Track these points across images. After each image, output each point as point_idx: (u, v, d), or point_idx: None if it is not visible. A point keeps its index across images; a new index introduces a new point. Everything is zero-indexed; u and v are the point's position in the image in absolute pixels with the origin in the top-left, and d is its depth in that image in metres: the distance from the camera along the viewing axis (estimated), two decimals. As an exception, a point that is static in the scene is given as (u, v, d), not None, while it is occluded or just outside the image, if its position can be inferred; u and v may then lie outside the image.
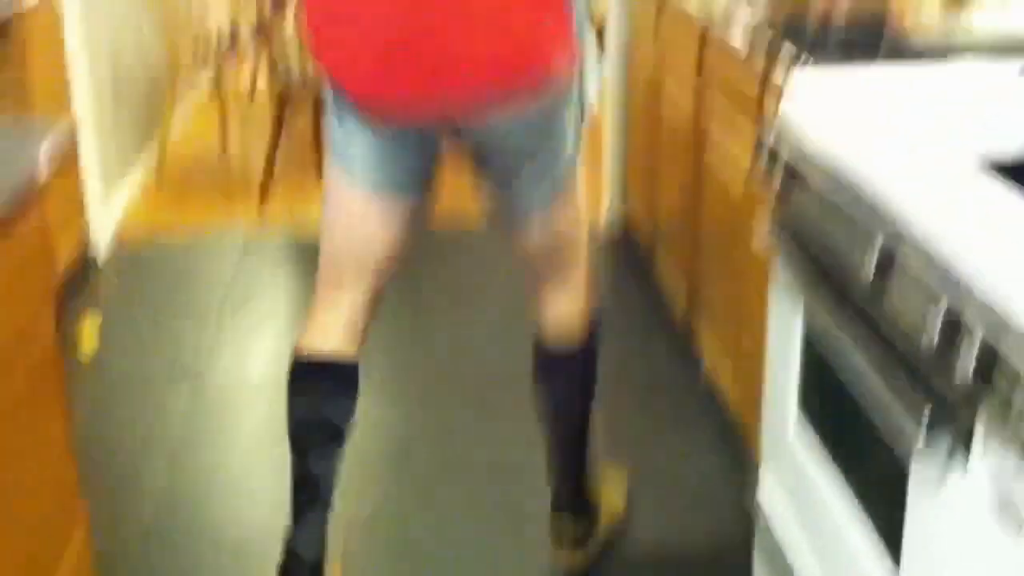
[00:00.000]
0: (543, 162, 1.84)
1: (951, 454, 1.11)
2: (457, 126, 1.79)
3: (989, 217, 1.15)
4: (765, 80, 2.03)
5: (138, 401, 2.91)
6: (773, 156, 1.64)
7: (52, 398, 1.58)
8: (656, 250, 3.31)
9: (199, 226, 4.12)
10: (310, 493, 1.96)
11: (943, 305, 1.09)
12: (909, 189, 1.26)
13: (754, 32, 2.11)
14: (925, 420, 1.12)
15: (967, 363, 1.02)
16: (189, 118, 5.28)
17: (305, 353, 1.96)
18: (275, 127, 4.25)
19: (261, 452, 2.67)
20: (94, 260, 3.75)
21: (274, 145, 4.28)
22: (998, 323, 1.01)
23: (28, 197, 1.46)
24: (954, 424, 1.09)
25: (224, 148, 4.96)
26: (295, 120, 4.53)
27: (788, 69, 1.83)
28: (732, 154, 2.32)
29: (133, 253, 3.89)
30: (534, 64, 1.71)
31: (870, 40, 1.90)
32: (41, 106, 3.26)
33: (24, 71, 3.20)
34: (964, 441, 1.09)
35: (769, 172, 1.64)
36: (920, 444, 1.13)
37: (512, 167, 1.84)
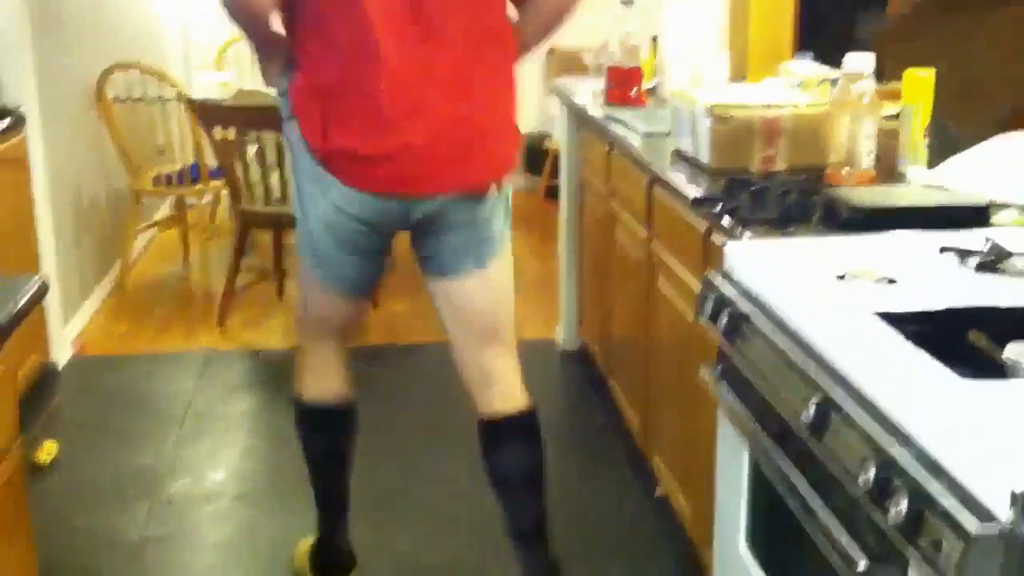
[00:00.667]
0: (480, 230, 2.24)
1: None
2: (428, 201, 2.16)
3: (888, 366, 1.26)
4: (707, 237, 2.15)
5: (98, 511, 2.96)
6: (716, 308, 1.74)
7: (16, 517, 1.63)
8: (611, 370, 3.40)
9: (159, 345, 4.17)
10: (336, 507, 2.55)
11: (875, 453, 1.19)
12: (824, 340, 1.37)
13: (701, 200, 2.23)
14: (863, 561, 1.21)
15: (899, 506, 1.11)
16: (151, 243, 5.35)
17: (312, 401, 2.44)
18: (236, 252, 4.34)
19: (221, 562, 2.70)
20: (53, 374, 3.78)
21: (235, 268, 4.36)
22: (925, 471, 1.10)
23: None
24: (891, 559, 1.18)
25: (184, 272, 5.03)
26: (254, 245, 4.64)
27: (727, 234, 1.95)
28: (684, 285, 2.41)
29: (93, 369, 3.95)
30: (499, 167, 2.24)
31: (808, 202, 2.02)
32: (4, 233, 3.33)
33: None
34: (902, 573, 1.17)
35: (714, 321, 1.74)
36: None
37: (456, 236, 2.23)
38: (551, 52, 5.92)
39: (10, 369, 1.60)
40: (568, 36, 5.34)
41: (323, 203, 2.17)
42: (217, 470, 3.24)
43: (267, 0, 2.09)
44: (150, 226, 5.19)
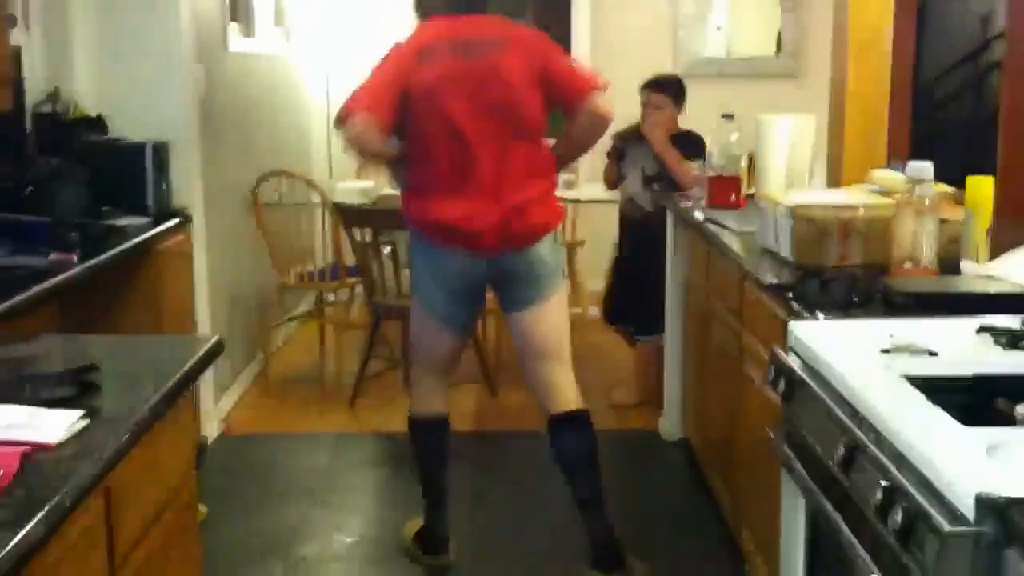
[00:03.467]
0: (534, 273, 3.10)
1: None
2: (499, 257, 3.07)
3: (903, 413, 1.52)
4: (785, 322, 2.43)
5: (238, 569, 3.31)
6: (779, 376, 2.02)
7: (191, 538, 1.97)
8: (706, 455, 3.65)
9: (297, 426, 4.57)
10: (437, 497, 3.35)
11: (883, 479, 1.45)
12: (867, 406, 1.63)
13: (775, 286, 2.52)
14: (874, 572, 1.46)
15: (896, 517, 1.37)
16: (291, 335, 5.81)
17: (419, 413, 3.34)
18: (369, 341, 4.74)
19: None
20: (203, 449, 4.19)
21: (367, 356, 4.74)
22: (915, 489, 1.37)
23: (187, 394, 1.89)
24: (896, 564, 1.43)
25: (321, 360, 5.46)
26: (385, 337, 5.03)
27: (799, 316, 2.23)
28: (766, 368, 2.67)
29: (238, 446, 4.35)
30: (552, 224, 3.13)
31: (870, 289, 2.29)
32: (170, 318, 3.78)
33: (160, 288, 3.74)
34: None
35: (775, 386, 2.02)
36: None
37: (520, 283, 3.12)
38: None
39: (189, 413, 1.97)
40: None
41: (427, 263, 3.12)
42: (346, 535, 3.58)
43: (375, 137, 2.96)
44: (291, 319, 5.65)
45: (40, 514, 1.29)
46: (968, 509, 1.28)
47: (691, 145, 4.46)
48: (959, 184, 2.77)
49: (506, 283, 3.15)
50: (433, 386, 3.32)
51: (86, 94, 3.95)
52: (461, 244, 3.05)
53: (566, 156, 3.26)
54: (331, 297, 5.62)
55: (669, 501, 3.87)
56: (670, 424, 4.34)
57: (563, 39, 6.84)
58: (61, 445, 1.48)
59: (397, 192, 3.52)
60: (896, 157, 5.67)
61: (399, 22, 6.67)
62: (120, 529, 1.57)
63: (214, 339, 2.01)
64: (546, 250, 3.12)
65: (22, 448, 1.43)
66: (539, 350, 3.18)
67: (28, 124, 3.66)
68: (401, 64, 3.03)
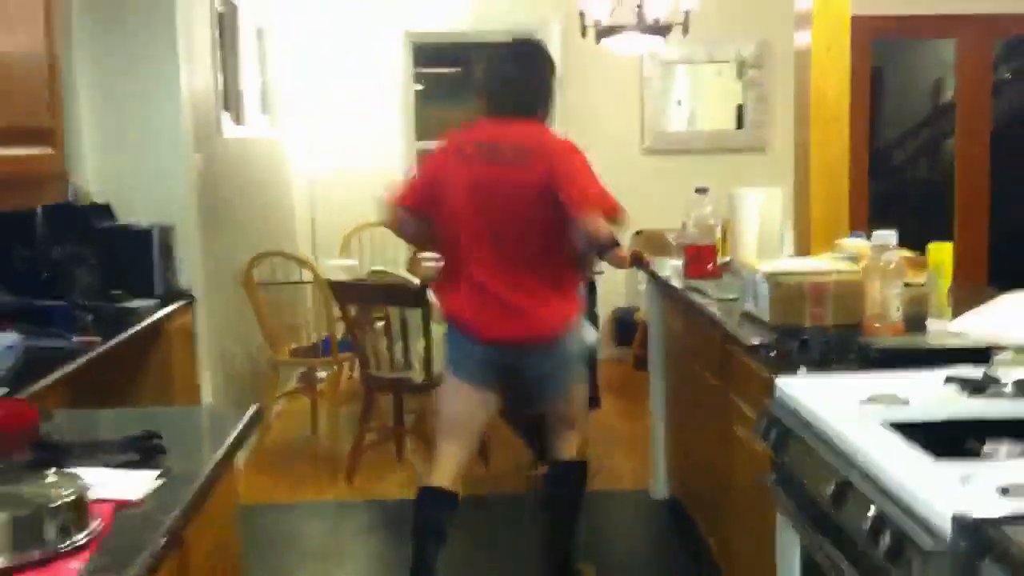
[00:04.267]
0: (560, 370, 3.39)
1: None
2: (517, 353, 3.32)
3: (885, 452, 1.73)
4: (768, 382, 2.64)
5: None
6: (770, 427, 2.23)
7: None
8: (696, 509, 3.84)
9: (296, 497, 4.71)
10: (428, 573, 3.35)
11: (872, 508, 1.66)
12: (852, 447, 1.84)
13: (757, 346, 2.75)
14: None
15: (886, 539, 1.58)
16: (283, 410, 5.96)
17: (432, 485, 3.38)
18: (363, 413, 4.91)
19: None
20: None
21: (362, 430, 4.91)
22: (902, 513, 1.57)
23: (227, 461, 2.07)
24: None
25: (314, 432, 5.62)
26: (378, 410, 5.20)
27: (781, 371, 2.45)
28: (751, 423, 2.86)
29: (241, 515, 4.44)
30: (557, 328, 3.31)
31: (846, 346, 2.52)
32: (179, 394, 3.95)
33: (169, 366, 3.92)
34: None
35: (766, 436, 2.22)
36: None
37: (546, 376, 3.40)
38: (638, 233, 6.53)
39: (233, 475, 2.14)
40: (652, 220, 5.98)
41: (454, 346, 3.40)
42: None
43: (403, 224, 3.40)
44: (284, 395, 5.81)
45: (139, 558, 1.47)
46: (945, 529, 1.49)
47: None
48: (917, 244, 3.01)
49: (526, 373, 3.39)
50: (451, 458, 3.40)
51: (93, 182, 4.15)
52: (472, 335, 3.30)
53: (582, 255, 3.37)
54: (322, 375, 5.79)
55: (660, 556, 4.05)
56: (659, 483, 4.52)
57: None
58: (143, 501, 1.65)
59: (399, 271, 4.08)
60: (857, 222, 5.98)
61: (376, 106, 6.99)
62: (189, 575, 1.74)
63: (255, 408, 2.20)
64: (569, 346, 3.37)
65: (112, 503, 1.61)
66: (562, 420, 3.54)
67: (40, 211, 3.84)
68: (437, 161, 3.34)
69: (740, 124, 7.33)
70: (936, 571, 1.48)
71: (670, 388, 4.35)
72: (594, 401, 4.88)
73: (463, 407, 3.40)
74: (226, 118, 5.18)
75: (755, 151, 7.11)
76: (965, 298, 2.80)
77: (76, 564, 1.42)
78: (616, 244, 3.31)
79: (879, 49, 7.59)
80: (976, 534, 1.45)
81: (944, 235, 2.93)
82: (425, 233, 3.42)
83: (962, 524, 1.47)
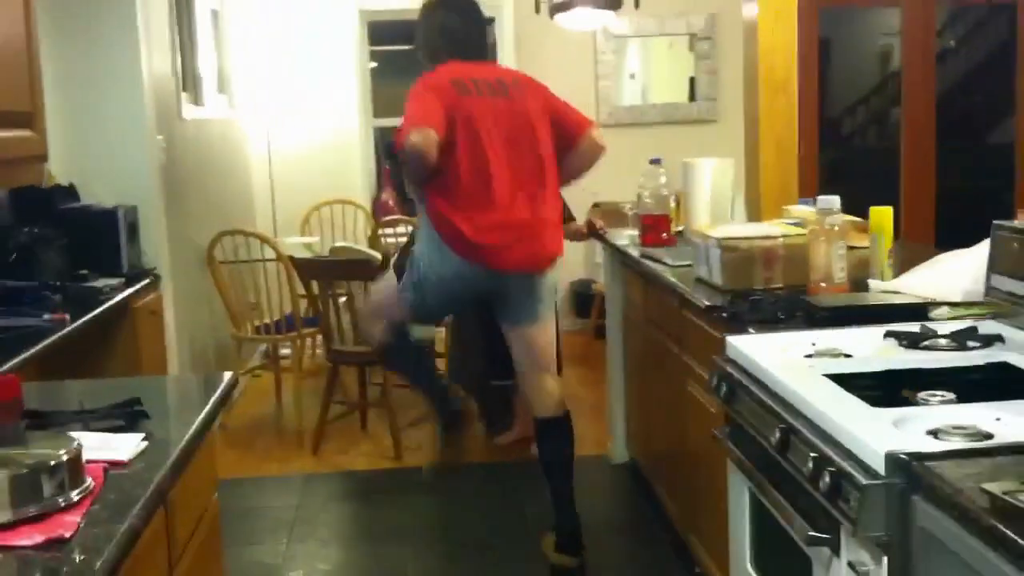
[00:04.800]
0: (543, 296, 3.57)
1: (832, 547, 1.77)
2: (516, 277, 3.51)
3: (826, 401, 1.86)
4: (720, 341, 2.77)
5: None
6: (721, 382, 2.36)
7: (217, 549, 2.24)
8: (654, 472, 3.97)
9: (262, 471, 4.80)
10: (433, 383, 3.92)
11: (812, 452, 1.78)
12: (796, 397, 1.97)
13: (710, 308, 2.87)
14: (809, 529, 1.80)
15: (825, 480, 1.70)
16: (247, 386, 6.04)
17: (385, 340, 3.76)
18: (328, 387, 5.00)
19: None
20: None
21: (327, 403, 5.00)
22: (840, 455, 1.70)
23: (208, 425, 2.16)
24: (829, 527, 1.76)
25: (279, 408, 5.70)
26: (343, 384, 5.30)
27: (732, 331, 2.57)
28: (705, 383, 3.00)
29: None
30: (559, 252, 3.56)
31: (793, 305, 2.65)
32: (149, 373, 4.02)
33: (136, 343, 3.98)
34: (835, 539, 1.75)
35: (718, 391, 2.35)
36: (810, 542, 1.79)
37: (528, 302, 3.56)
38: (595, 206, 6.66)
39: (212, 441, 2.23)
40: (609, 192, 6.10)
41: (441, 267, 3.43)
42: (325, 563, 3.83)
43: (433, 148, 3.25)
44: (248, 371, 5.88)
45: (130, 513, 1.56)
46: (880, 466, 1.62)
47: None
48: (867, 210, 3.14)
49: (515, 299, 3.56)
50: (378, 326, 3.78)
51: (58, 163, 4.19)
52: (483, 259, 3.41)
53: (570, 174, 3.70)
54: (285, 351, 5.86)
55: (620, 517, 4.20)
56: (618, 447, 4.66)
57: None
58: (131, 461, 1.75)
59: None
60: (807, 189, 6.14)
61: (332, 85, 7.04)
62: (174, 533, 1.84)
63: (230, 375, 2.29)
64: (553, 275, 3.60)
65: (102, 464, 1.70)
66: (536, 361, 3.65)
67: (5, 193, 3.89)
68: (441, 93, 3.37)
69: (693, 96, 7.45)
70: (872, 504, 1.61)
71: (628, 355, 4.48)
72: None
73: (400, 318, 3.69)
74: (185, 100, 5.22)
75: (707, 122, 7.25)
76: (907, 259, 2.95)
77: (73, 518, 1.52)
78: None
79: (828, 18, 7.74)
80: (907, 469, 1.58)
81: (892, 200, 3.07)
82: (440, 164, 3.34)
83: (895, 460, 1.60)
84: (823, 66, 7.88)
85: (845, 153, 8.45)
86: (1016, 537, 1.31)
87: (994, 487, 1.41)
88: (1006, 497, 1.38)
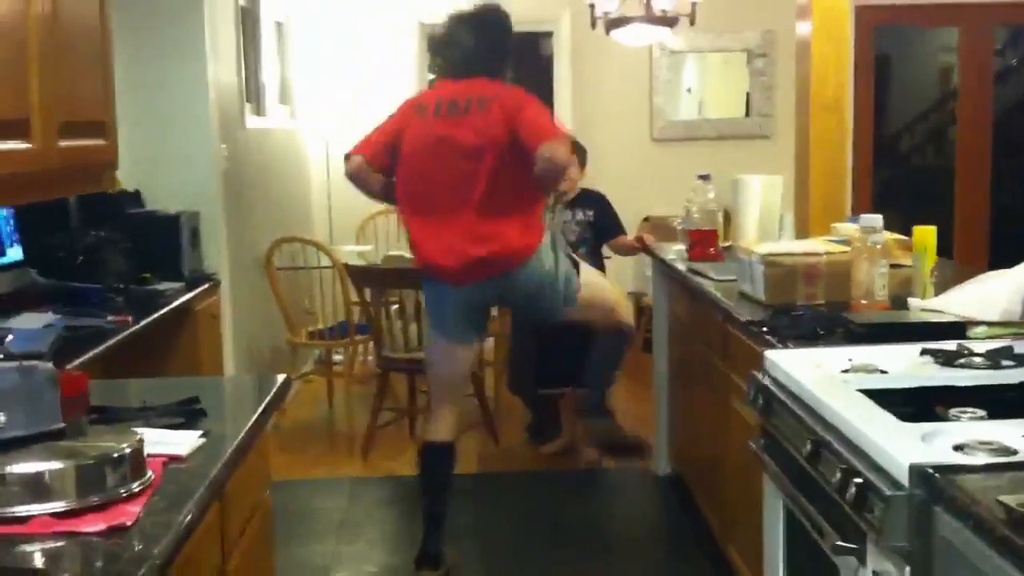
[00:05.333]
0: (544, 281, 3.61)
1: (858, 556, 1.83)
2: (489, 282, 3.58)
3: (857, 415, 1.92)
4: (761, 353, 2.82)
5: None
6: (758, 395, 2.41)
7: (269, 544, 2.34)
8: (696, 484, 4.02)
9: (312, 474, 4.91)
10: (437, 522, 3.76)
11: (841, 463, 1.84)
12: (828, 410, 2.02)
13: (751, 322, 2.93)
14: (837, 538, 1.85)
15: (851, 490, 1.76)
16: (300, 391, 6.16)
17: (430, 440, 3.83)
18: (379, 392, 5.10)
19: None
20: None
21: (377, 409, 5.11)
22: (866, 467, 1.75)
23: (262, 423, 2.26)
24: (855, 537, 1.81)
25: (330, 412, 5.83)
26: (393, 390, 5.40)
27: (771, 346, 2.63)
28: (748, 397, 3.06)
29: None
30: (523, 253, 3.56)
31: (832, 322, 2.70)
32: (205, 369, 4.15)
33: (195, 345, 4.12)
34: (861, 549, 1.81)
35: (755, 404, 2.41)
36: (836, 551, 1.85)
37: (531, 298, 3.65)
38: (646, 220, 6.72)
39: (266, 441, 2.33)
40: (661, 206, 6.16)
41: (428, 292, 3.75)
42: (371, 565, 3.93)
43: (366, 175, 3.59)
44: (301, 376, 6.01)
45: (188, 504, 1.66)
46: (904, 478, 1.67)
47: (592, 202, 4.91)
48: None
49: (513, 304, 3.84)
50: (446, 416, 3.81)
51: (124, 170, 4.32)
52: (442, 277, 3.59)
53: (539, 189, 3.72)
54: (338, 357, 5.99)
55: (662, 528, 4.25)
56: (662, 459, 4.71)
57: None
58: (189, 456, 1.85)
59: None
60: (861, 207, 6.15)
61: (392, 95, 7.16)
62: (228, 526, 1.94)
63: (283, 377, 2.39)
64: (534, 267, 3.58)
65: (162, 458, 1.80)
66: (595, 302, 3.89)
67: (73, 198, 4.04)
68: (398, 118, 3.66)
69: (748, 112, 7.49)
70: (895, 515, 1.67)
71: (674, 368, 4.53)
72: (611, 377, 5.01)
73: (446, 367, 3.76)
74: (249, 110, 5.37)
75: (761, 139, 7.27)
76: (952, 278, 2.98)
77: (134, 508, 1.62)
78: (565, 169, 3.62)
79: (888, 35, 7.74)
80: (930, 481, 1.63)
81: (947, 219, 3.11)
82: (387, 187, 3.65)
83: (918, 473, 1.65)
84: (882, 83, 7.89)
85: (902, 171, 8.44)
86: (1028, 548, 1.36)
87: (1010, 499, 1.46)
88: (1021, 509, 1.43)
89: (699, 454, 4.00)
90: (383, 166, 3.61)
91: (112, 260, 3.89)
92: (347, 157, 3.64)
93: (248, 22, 5.61)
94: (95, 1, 2.32)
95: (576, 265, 3.78)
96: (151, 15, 4.38)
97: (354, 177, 3.62)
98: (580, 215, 4.90)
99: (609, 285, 4.09)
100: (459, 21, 3.69)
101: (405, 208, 3.68)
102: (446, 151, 3.52)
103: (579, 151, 4.92)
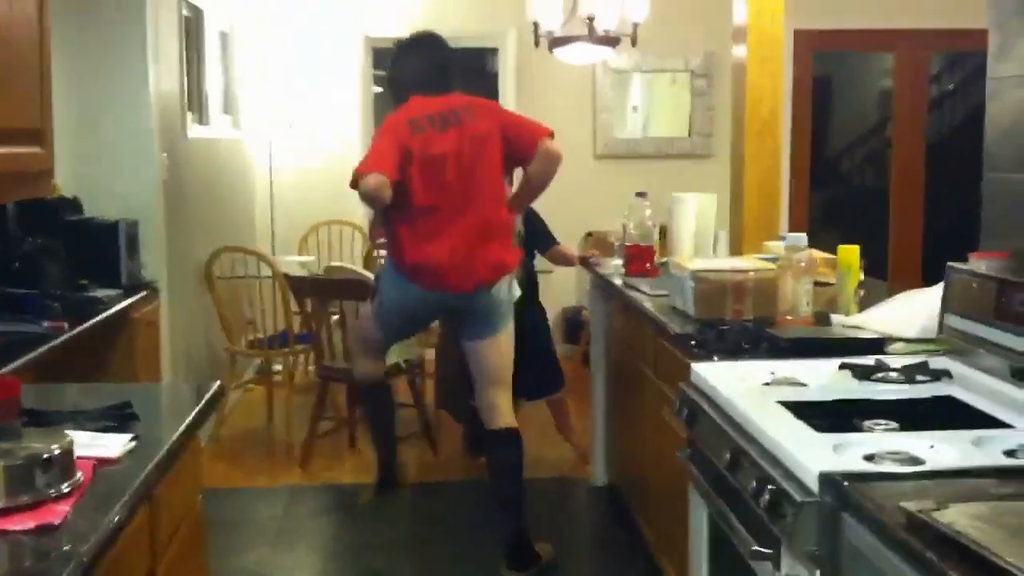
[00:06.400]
0: (493, 313, 3.81)
1: (773, 561, 1.89)
2: (462, 297, 3.78)
3: (774, 425, 1.98)
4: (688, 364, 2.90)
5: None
6: (683, 407, 2.48)
7: (200, 550, 2.35)
8: (631, 495, 4.09)
9: (250, 483, 4.91)
10: (390, 442, 4.36)
11: (756, 471, 1.90)
12: (747, 421, 2.09)
13: (680, 335, 3.00)
14: (753, 544, 1.91)
15: (765, 496, 1.82)
16: (238, 400, 6.15)
17: (367, 378, 4.26)
18: (318, 402, 5.12)
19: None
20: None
21: (316, 419, 5.12)
22: (780, 474, 1.82)
23: (194, 429, 2.29)
24: (770, 543, 1.88)
25: (270, 422, 5.82)
26: (333, 400, 5.42)
27: (698, 359, 2.70)
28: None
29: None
30: (504, 271, 3.79)
31: (757, 336, 2.78)
32: (142, 377, 4.14)
33: (132, 353, 4.11)
34: (776, 554, 1.87)
35: (681, 415, 2.48)
36: (753, 557, 1.91)
37: (480, 318, 3.83)
38: (589, 235, 6.79)
39: (198, 446, 2.36)
40: (603, 222, 6.23)
41: (398, 291, 3.84)
42: (307, 572, 3.95)
43: (386, 191, 3.58)
44: (240, 385, 6.00)
45: (117, 506, 1.68)
46: (814, 485, 1.74)
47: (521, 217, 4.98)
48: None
49: (469, 316, 3.86)
50: (371, 357, 4.20)
51: (63, 177, 4.32)
52: (434, 283, 3.75)
53: (525, 197, 3.96)
54: (278, 367, 5.99)
55: (597, 537, 4.31)
56: (599, 471, 4.77)
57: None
58: (120, 459, 1.87)
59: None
60: (798, 226, 6.27)
61: (337, 107, 7.20)
62: (158, 529, 1.96)
63: (218, 383, 2.41)
64: (503, 292, 3.82)
65: (92, 461, 1.82)
66: (489, 376, 3.91)
67: (10, 204, 4.02)
68: (398, 133, 3.72)
69: (690, 132, 7.60)
70: (805, 521, 1.74)
71: (610, 380, 4.60)
72: (558, 381, 5.11)
73: (376, 338, 4.10)
74: (191, 119, 5.37)
75: (702, 158, 7.39)
76: (878, 295, 3.07)
77: (62, 508, 1.64)
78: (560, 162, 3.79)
79: (829, 60, 7.90)
80: (838, 489, 1.71)
81: (883, 240, 3.20)
82: (399, 200, 3.67)
83: (827, 480, 1.73)
84: (824, 105, 8.05)
85: (841, 192, 8.61)
86: (926, 550, 1.43)
87: (912, 505, 1.53)
88: (920, 515, 1.50)
89: (633, 465, 4.07)
90: (396, 181, 3.63)
91: (49, 267, 3.88)
92: (362, 175, 3.58)
93: (192, 31, 5.61)
94: (33, 8, 2.33)
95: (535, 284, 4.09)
96: (93, 23, 4.38)
97: (375, 194, 3.56)
98: None
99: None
100: (409, 46, 3.96)
101: (414, 218, 3.72)
102: (457, 159, 3.68)
103: None
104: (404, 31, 6.97)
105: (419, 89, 3.83)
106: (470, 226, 3.71)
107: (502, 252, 3.81)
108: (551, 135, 3.79)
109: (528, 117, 3.96)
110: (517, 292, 4.00)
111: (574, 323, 7.20)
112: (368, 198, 3.60)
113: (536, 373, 4.83)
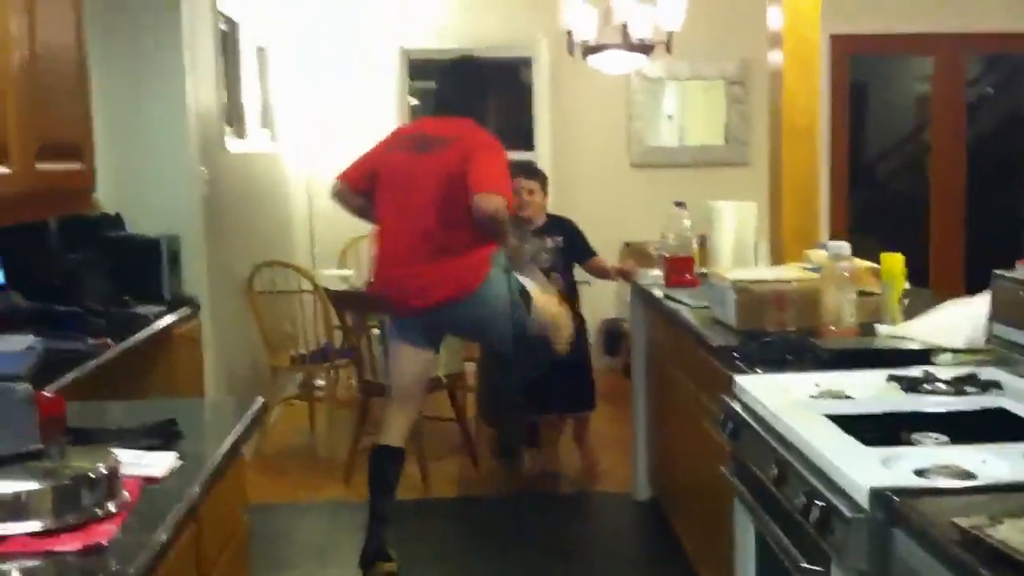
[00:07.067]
0: (491, 321, 3.83)
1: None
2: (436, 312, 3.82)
3: (821, 439, 1.96)
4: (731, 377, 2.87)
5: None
6: (727, 420, 2.46)
7: (245, 569, 2.36)
8: (673, 510, 4.06)
9: (294, 498, 4.92)
10: (382, 520, 3.99)
11: (804, 486, 1.88)
12: (794, 435, 2.07)
13: (722, 348, 2.98)
14: (802, 560, 1.89)
15: (815, 514, 1.80)
16: (281, 415, 6.17)
17: (383, 442, 4.04)
18: (360, 417, 5.12)
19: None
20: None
21: (358, 433, 5.13)
22: (828, 490, 1.80)
23: (238, 446, 2.29)
24: (820, 559, 1.85)
25: (312, 437, 5.84)
26: (374, 414, 5.42)
27: (741, 371, 2.67)
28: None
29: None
30: (465, 287, 3.78)
31: (801, 347, 2.75)
32: (185, 393, 4.17)
33: (174, 369, 4.14)
34: (826, 571, 1.85)
35: (725, 428, 2.45)
36: (802, 574, 1.88)
37: (476, 328, 3.96)
38: (627, 245, 6.78)
39: (242, 464, 2.36)
40: (640, 232, 6.21)
41: (396, 328, 4.03)
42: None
43: (347, 197, 3.98)
44: (283, 400, 6.03)
45: (162, 526, 1.69)
46: (865, 501, 1.71)
47: (560, 227, 4.96)
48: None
49: (459, 333, 4.14)
50: (400, 422, 4.06)
51: (105, 193, 4.36)
52: (392, 306, 3.95)
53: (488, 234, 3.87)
54: (320, 382, 6.00)
55: (639, 554, 4.28)
56: (641, 485, 4.74)
57: (526, 132, 7.38)
58: (165, 478, 1.88)
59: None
60: (837, 232, 6.21)
61: (373, 120, 7.22)
62: (204, 548, 1.96)
63: (261, 400, 2.42)
64: (479, 300, 3.79)
65: (138, 479, 1.83)
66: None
67: (53, 221, 4.06)
68: (378, 149, 4.01)
69: (727, 139, 7.57)
70: (856, 538, 1.71)
71: (652, 393, 4.57)
72: (589, 401, 5.10)
73: (408, 368, 4.00)
74: (229, 133, 5.41)
75: (739, 165, 7.35)
76: (923, 304, 3.03)
77: (109, 527, 1.64)
78: (501, 222, 3.70)
79: (866, 64, 7.83)
80: (889, 505, 1.68)
81: (923, 245, 3.16)
82: (362, 210, 4.01)
83: (878, 496, 1.70)
84: (860, 111, 7.98)
85: (879, 197, 8.52)
86: (980, 567, 1.40)
87: (964, 521, 1.51)
88: (973, 530, 1.47)
89: (675, 479, 4.04)
90: (364, 190, 3.93)
91: (92, 283, 3.91)
92: (334, 183, 4.01)
93: (228, 46, 5.65)
94: (72, 25, 2.35)
95: (526, 294, 3.92)
96: (131, 40, 4.42)
97: (335, 198, 4.02)
98: (550, 242, 4.94)
99: (556, 307, 4.06)
100: (441, 70, 4.20)
101: (378, 231, 3.99)
102: (409, 181, 3.82)
103: (540, 177, 5.00)
104: (440, 43, 7.13)
105: (433, 110, 4.10)
106: (419, 250, 3.79)
107: (452, 276, 3.78)
108: (500, 194, 3.67)
109: (498, 171, 3.78)
110: (513, 284, 3.88)
111: (613, 334, 7.17)
112: (334, 200, 4.01)
113: (570, 386, 4.82)
